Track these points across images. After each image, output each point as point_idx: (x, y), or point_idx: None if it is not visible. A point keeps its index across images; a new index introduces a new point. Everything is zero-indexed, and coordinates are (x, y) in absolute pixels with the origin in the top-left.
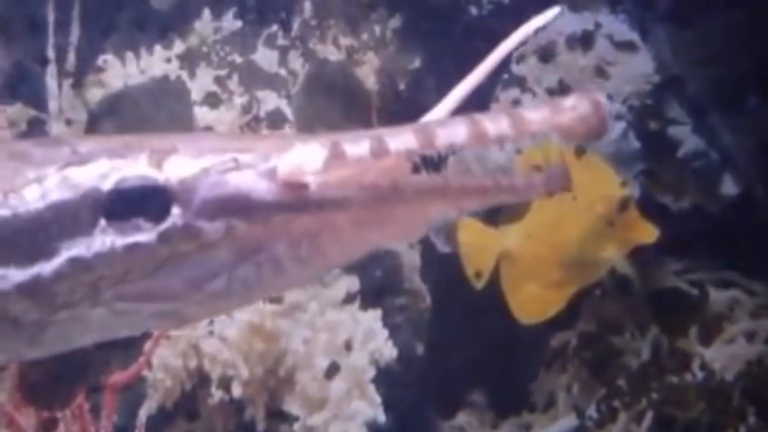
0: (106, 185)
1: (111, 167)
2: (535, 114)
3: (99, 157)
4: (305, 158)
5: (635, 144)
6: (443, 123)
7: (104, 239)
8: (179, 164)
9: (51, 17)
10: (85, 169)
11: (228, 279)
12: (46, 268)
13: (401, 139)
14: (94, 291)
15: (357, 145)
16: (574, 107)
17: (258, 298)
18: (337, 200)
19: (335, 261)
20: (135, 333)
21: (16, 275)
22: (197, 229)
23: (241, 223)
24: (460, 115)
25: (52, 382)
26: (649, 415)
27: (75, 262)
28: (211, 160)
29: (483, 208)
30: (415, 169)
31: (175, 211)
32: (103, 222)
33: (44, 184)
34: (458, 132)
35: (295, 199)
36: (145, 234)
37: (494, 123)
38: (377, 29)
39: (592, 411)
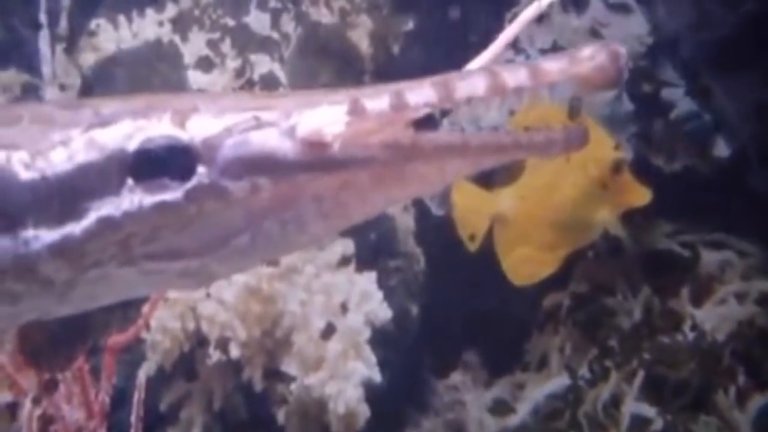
0: (132, 146)
1: (135, 128)
2: (554, 64)
3: (122, 118)
4: (327, 116)
5: (629, 106)
6: (462, 76)
7: (132, 198)
8: (202, 123)
9: None
10: (110, 130)
11: (252, 235)
12: (76, 228)
13: (420, 93)
14: (123, 249)
15: (377, 101)
16: (592, 57)
17: (281, 253)
18: (360, 159)
19: (357, 216)
20: (161, 291)
21: (47, 236)
22: (223, 188)
23: (265, 181)
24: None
25: (53, 344)
26: (641, 375)
27: (104, 221)
28: (234, 119)
29: (501, 163)
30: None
31: (201, 169)
32: (130, 181)
33: (70, 146)
34: (477, 84)
35: (319, 157)
36: (172, 192)
37: (513, 74)
38: None
39: (584, 371)
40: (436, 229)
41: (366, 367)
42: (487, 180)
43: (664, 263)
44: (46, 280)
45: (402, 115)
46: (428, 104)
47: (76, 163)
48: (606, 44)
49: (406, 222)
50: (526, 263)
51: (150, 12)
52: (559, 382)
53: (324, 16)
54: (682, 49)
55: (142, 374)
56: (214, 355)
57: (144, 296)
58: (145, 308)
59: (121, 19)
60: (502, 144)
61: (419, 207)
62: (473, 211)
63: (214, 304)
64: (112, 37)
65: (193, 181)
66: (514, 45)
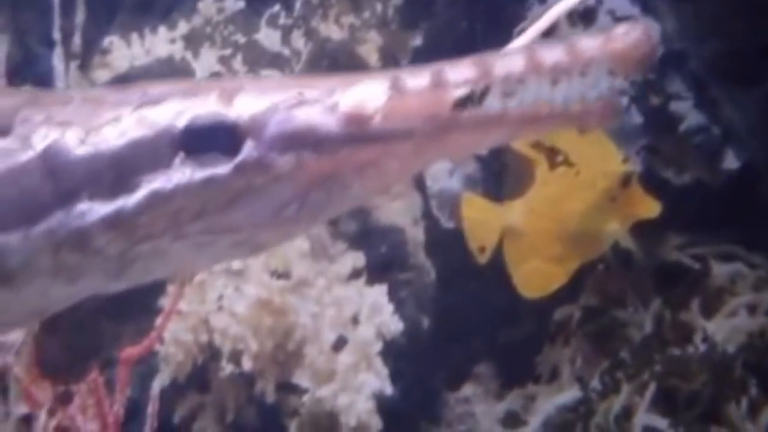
0: (181, 122)
1: (184, 106)
2: (590, 42)
3: (171, 97)
4: (368, 92)
5: (637, 119)
6: (500, 54)
7: (183, 172)
8: (249, 101)
9: None
10: (160, 108)
11: (299, 206)
12: (129, 200)
13: (460, 71)
14: (174, 223)
15: (417, 78)
16: (627, 33)
17: (327, 217)
18: (400, 131)
19: (397, 181)
20: (212, 264)
21: (101, 208)
22: (269, 162)
23: (310, 155)
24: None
25: (68, 356)
26: (652, 387)
27: (156, 195)
28: (279, 96)
29: (537, 135)
30: None
31: (248, 145)
32: (180, 157)
33: (122, 123)
34: (516, 62)
35: (360, 131)
36: (222, 167)
37: (550, 52)
38: (379, 7)
39: (595, 383)
40: (447, 242)
41: (377, 380)
42: (496, 192)
43: (675, 275)
44: (99, 253)
45: (444, 95)
46: (468, 81)
47: (128, 139)
48: (639, 22)
49: (416, 234)
50: (536, 276)
51: (162, 29)
52: (570, 394)
53: (334, 32)
54: (690, 62)
55: (156, 386)
56: (227, 368)
57: (154, 309)
58: (159, 321)
59: (134, 36)
60: (540, 115)
61: (429, 219)
62: (483, 223)
63: (227, 317)
64: (125, 54)
65: (241, 156)
66: None
